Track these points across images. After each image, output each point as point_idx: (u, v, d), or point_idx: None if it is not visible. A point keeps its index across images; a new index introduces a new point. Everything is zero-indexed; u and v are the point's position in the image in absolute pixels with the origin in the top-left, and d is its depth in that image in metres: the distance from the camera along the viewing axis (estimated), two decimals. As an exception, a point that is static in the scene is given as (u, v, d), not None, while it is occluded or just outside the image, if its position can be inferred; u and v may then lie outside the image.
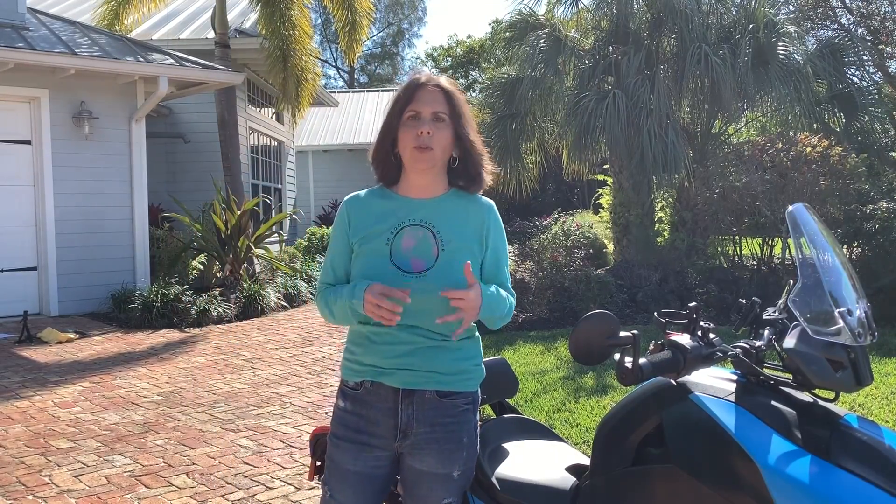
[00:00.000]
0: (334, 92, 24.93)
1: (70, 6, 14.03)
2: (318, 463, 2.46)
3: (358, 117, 21.65)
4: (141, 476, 3.95)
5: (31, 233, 8.65)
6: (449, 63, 33.44)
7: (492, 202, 2.06)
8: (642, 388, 1.84)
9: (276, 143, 15.68)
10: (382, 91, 25.01)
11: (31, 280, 8.66)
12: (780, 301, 1.89)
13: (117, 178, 9.12)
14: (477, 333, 2.03)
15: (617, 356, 1.70)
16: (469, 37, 33.83)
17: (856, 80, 11.50)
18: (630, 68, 9.70)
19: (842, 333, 1.64)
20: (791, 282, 1.78)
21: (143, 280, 9.09)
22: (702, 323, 1.79)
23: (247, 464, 4.12)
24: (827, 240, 1.78)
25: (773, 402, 1.66)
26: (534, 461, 2.13)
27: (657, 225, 10.75)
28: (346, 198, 2.07)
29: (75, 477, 3.94)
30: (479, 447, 2.04)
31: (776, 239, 9.12)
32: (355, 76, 43.50)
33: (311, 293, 9.89)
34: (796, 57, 9.89)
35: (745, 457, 1.57)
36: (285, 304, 9.51)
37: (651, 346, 1.78)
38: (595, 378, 5.67)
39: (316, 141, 20.52)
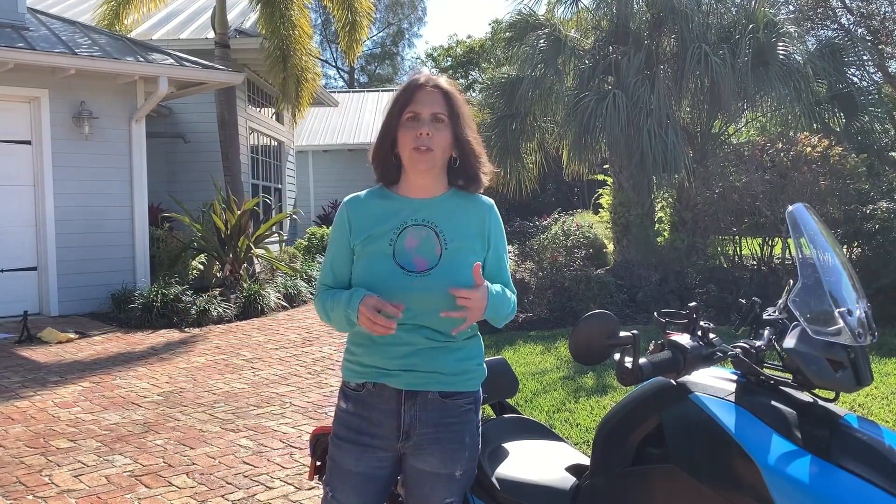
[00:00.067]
0: (334, 92, 24.93)
1: (70, 6, 14.03)
2: (318, 463, 2.46)
3: (358, 117, 21.65)
4: (141, 476, 3.95)
5: (31, 233, 8.66)
6: (449, 63, 33.42)
7: (492, 201, 2.07)
8: (642, 388, 1.84)
9: (276, 143, 15.69)
10: (382, 91, 25.02)
11: (31, 280, 8.66)
12: (780, 301, 1.89)
13: (117, 178, 9.12)
14: (478, 332, 2.04)
15: (617, 356, 1.71)
16: (469, 37, 33.81)
17: (856, 80, 11.50)
18: (630, 68, 9.70)
19: (842, 333, 1.64)
20: (791, 282, 1.78)
21: (143, 280, 9.09)
22: (702, 323, 1.79)
23: (247, 464, 4.12)
24: (827, 240, 1.78)
25: (773, 402, 1.67)
26: (534, 461, 2.13)
27: (657, 225, 10.74)
28: (345, 199, 2.07)
29: (75, 477, 3.94)
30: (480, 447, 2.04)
31: (776, 239, 9.12)
32: (355, 76, 43.52)
33: (311, 293, 9.89)
34: (796, 57, 9.89)
35: (745, 457, 1.57)
36: (285, 304, 9.51)
37: (651, 346, 1.78)
38: (595, 378, 5.67)
39: (316, 141, 20.52)
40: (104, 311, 8.73)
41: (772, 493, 1.50)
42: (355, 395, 1.98)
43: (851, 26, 15.36)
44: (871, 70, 13.83)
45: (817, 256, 1.74)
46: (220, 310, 8.53)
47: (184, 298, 8.38)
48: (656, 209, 10.77)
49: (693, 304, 1.82)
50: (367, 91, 26.50)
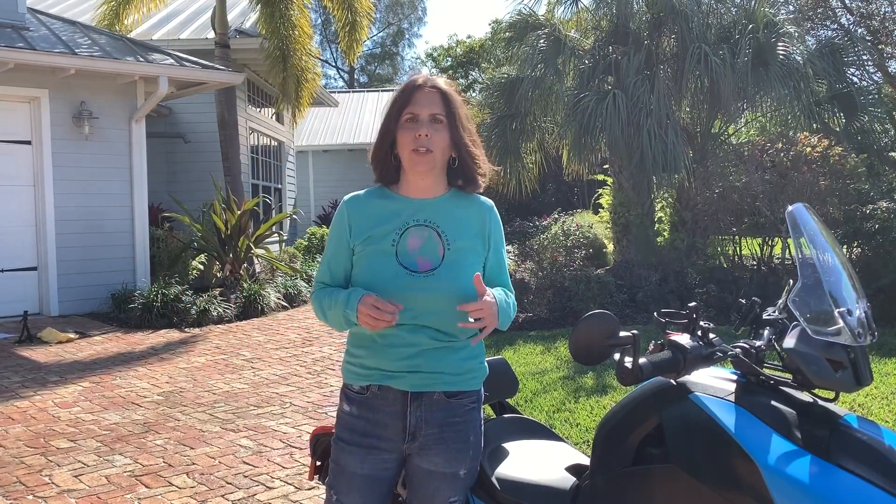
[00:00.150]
0: (334, 92, 24.94)
1: (70, 6, 14.03)
2: (318, 463, 2.46)
3: (358, 117, 21.65)
4: (141, 476, 3.95)
5: (31, 233, 8.66)
6: (449, 63, 33.41)
7: (491, 202, 2.07)
8: (642, 388, 1.84)
9: (276, 143, 15.69)
10: (382, 91, 25.02)
11: (31, 280, 8.66)
12: (780, 301, 1.89)
13: (117, 178, 9.12)
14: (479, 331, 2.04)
15: (617, 356, 1.71)
16: (469, 37, 33.79)
17: (856, 80, 11.51)
18: (630, 68, 9.70)
19: (842, 333, 1.64)
20: (791, 282, 1.78)
21: (143, 280, 9.09)
22: (702, 323, 1.79)
23: (247, 464, 4.12)
24: (827, 240, 1.78)
25: (772, 402, 1.66)
26: (534, 461, 2.13)
27: (657, 225, 10.74)
28: (345, 198, 2.06)
29: (75, 477, 3.94)
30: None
31: (776, 239, 9.12)
32: (355, 76, 43.52)
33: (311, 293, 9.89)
34: (796, 57, 9.88)
35: (745, 457, 1.57)
36: (285, 304, 9.51)
37: (651, 346, 1.78)
38: (595, 378, 5.67)
39: (316, 141, 20.53)
40: (104, 311, 8.73)
41: (772, 493, 1.50)
42: (359, 397, 1.97)
43: (851, 26, 15.36)
44: (871, 70, 13.84)
45: (817, 256, 1.74)
46: (220, 310, 8.53)
47: (184, 298, 8.39)
48: (656, 209, 10.77)
49: (693, 304, 1.82)
50: (367, 91, 26.49)
